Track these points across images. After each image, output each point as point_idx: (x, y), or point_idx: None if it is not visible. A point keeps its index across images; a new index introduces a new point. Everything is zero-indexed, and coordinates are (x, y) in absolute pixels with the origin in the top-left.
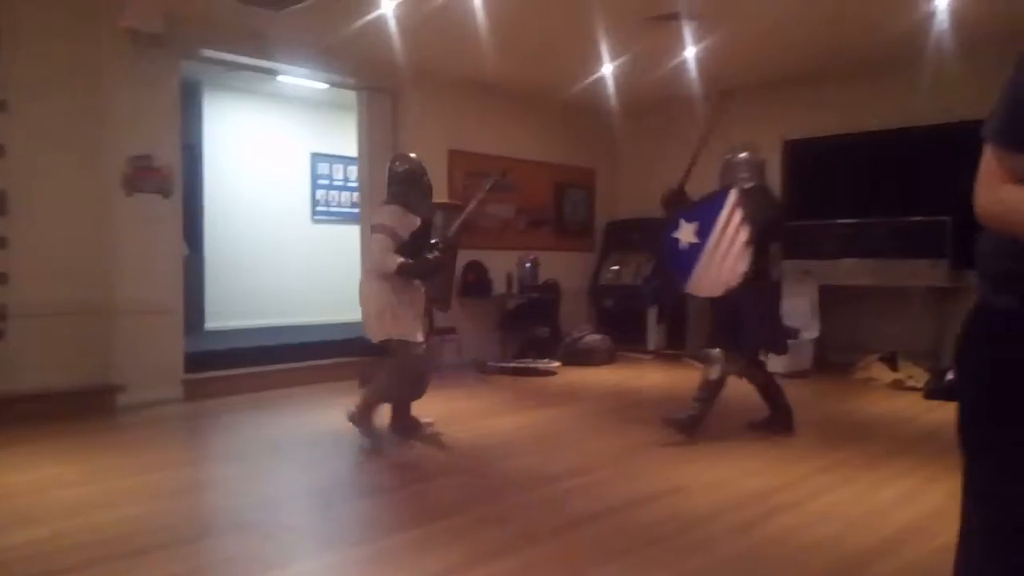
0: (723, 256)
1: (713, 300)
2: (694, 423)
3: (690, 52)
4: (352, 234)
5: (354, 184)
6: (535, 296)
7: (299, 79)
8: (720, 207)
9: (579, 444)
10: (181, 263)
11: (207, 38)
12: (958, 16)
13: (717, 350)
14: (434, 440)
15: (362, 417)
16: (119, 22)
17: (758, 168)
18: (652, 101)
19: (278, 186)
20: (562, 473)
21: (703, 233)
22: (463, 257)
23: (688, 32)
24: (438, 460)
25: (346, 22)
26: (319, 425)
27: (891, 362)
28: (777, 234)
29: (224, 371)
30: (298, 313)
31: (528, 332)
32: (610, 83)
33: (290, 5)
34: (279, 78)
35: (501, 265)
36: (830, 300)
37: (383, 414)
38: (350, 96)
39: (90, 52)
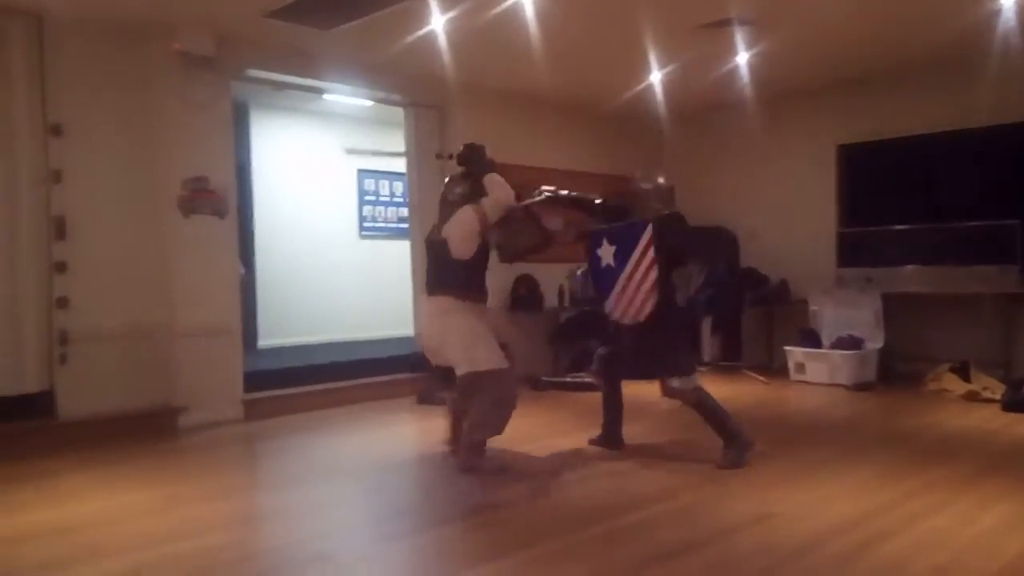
0: (635, 289)
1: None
2: (746, 442)
3: (742, 58)
4: (400, 249)
5: (400, 199)
6: (586, 309)
7: (345, 97)
8: (636, 239)
9: (650, 466)
10: (238, 283)
11: (256, 59)
12: None
13: (676, 381)
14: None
15: (474, 462)
16: (171, 46)
17: (667, 196)
18: (701, 108)
19: (325, 203)
20: (640, 499)
21: (620, 259)
22: (515, 271)
23: (740, 38)
24: (506, 486)
25: (394, 39)
26: (377, 446)
27: (963, 372)
28: (683, 260)
29: (282, 390)
30: (348, 329)
31: (580, 346)
32: (658, 91)
33: (339, 24)
34: (325, 96)
35: (552, 278)
36: (894, 308)
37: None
38: (396, 112)
39: (143, 76)
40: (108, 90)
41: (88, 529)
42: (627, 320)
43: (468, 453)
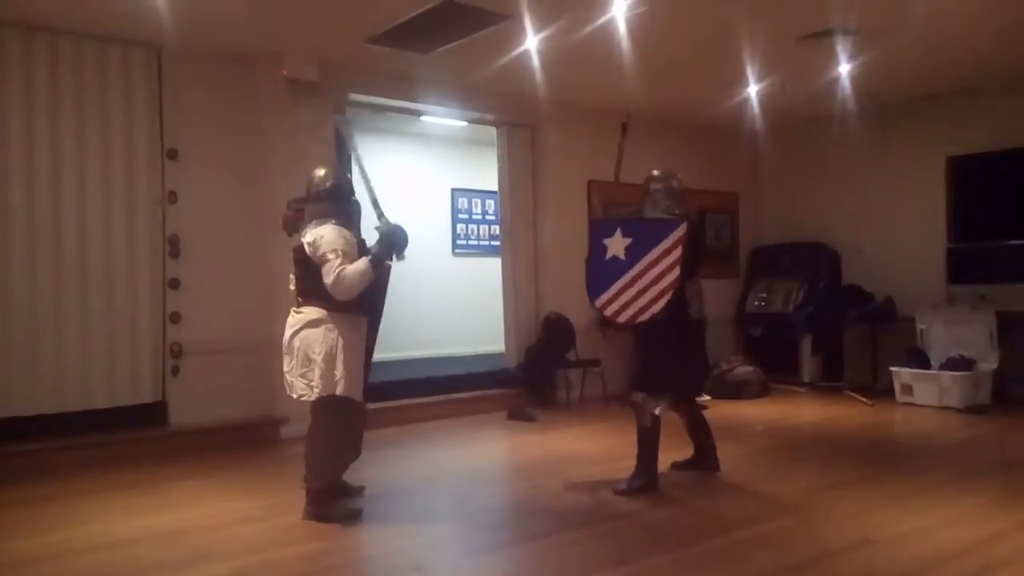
0: (645, 287)
1: (636, 337)
2: (651, 483)
3: (844, 69)
4: (491, 266)
5: (492, 217)
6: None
7: (441, 118)
8: (664, 236)
9: (749, 487)
10: None
11: (358, 83)
12: None
13: (641, 395)
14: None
15: (323, 512)
16: (281, 72)
17: (679, 196)
18: (799, 121)
19: (420, 221)
20: (738, 520)
21: (633, 253)
22: None
23: (842, 48)
24: (598, 505)
25: (488, 60)
26: (470, 459)
27: None
28: (695, 272)
29: (376, 404)
30: (440, 345)
31: None
32: (755, 104)
33: (436, 47)
34: (423, 118)
35: None
36: (1009, 327)
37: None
38: (489, 131)
39: (252, 101)
40: (220, 115)
41: (197, 533)
42: (622, 319)
43: (315, 504)
